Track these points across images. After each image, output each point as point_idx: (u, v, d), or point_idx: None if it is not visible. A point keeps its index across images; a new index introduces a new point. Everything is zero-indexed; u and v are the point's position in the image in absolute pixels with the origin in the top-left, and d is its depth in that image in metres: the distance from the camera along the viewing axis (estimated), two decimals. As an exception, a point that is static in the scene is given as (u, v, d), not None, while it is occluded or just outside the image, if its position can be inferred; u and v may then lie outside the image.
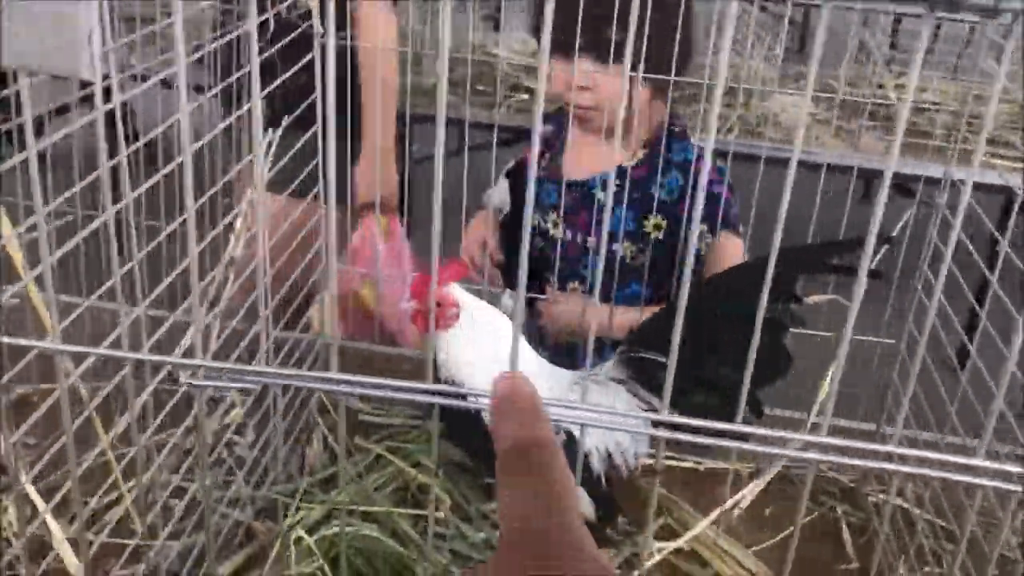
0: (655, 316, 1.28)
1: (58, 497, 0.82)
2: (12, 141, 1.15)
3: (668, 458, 1.52)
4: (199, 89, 1.69)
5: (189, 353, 0.77)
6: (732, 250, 1.70)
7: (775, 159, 2.81)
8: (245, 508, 1.30)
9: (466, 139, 1.67)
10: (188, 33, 0.60)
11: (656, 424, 1.22)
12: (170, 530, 1.11)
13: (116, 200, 0.77)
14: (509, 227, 1.90)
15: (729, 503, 1.19)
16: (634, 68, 1.57)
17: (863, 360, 1.49)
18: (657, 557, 1.25)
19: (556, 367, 1.32)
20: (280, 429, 1.29)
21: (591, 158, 1.77)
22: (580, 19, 1.44)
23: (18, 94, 0.59)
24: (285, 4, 1.50)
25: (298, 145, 1.33)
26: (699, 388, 1.18)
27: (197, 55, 1.06)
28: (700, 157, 1.69)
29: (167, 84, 1.12)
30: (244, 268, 1.32)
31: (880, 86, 3.56)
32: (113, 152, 0.75)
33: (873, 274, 1.23)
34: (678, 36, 1.47)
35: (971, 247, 1.18)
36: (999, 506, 1.16)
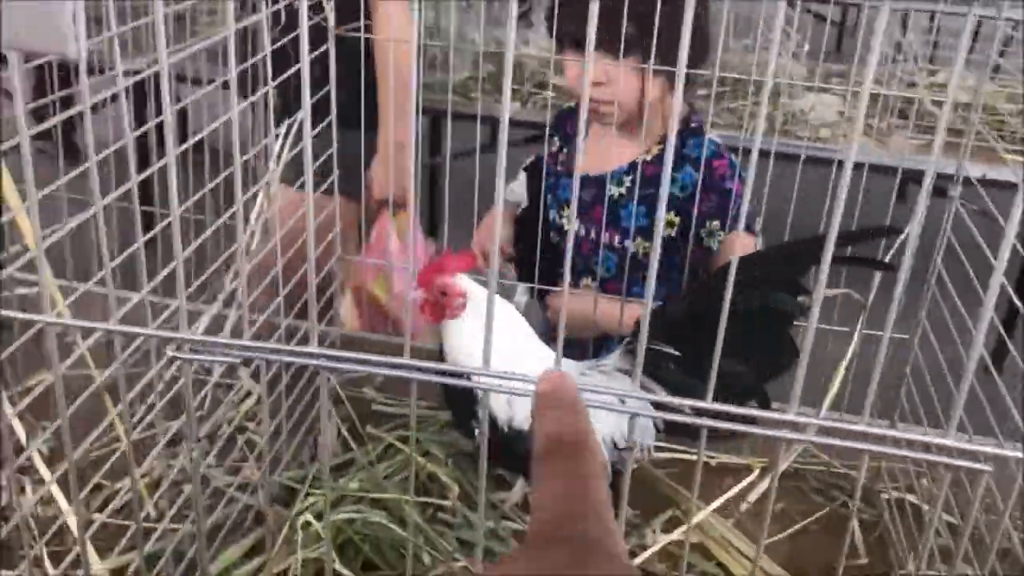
0: (662, 307, 1.28)
1: (62, 469, 0.84)
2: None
3: (678, 451, 1.52)
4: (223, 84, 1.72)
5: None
6: (743, 248, 1.68)
7: (804, 158, 2.79)
8: (256, 493, 1.32)
9: (502, 135, 1.66)
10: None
11: (660, 409, 1.24)
12: (173, 513, 1.13)
13: (118, 186, 0.78)
14: (525, 221, 1.91)
15: (733, 491, 1.18)
16: (646, 62, 1.58)
17: (874, 355, 1.48)
18: (656, 547, 1.25)
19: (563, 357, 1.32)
20: (283, 412, 1.30)
21: (607, 153, 1.77)
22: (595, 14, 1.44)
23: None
24: None
25: (311, 136, 1.34)
26: (702, 379, 1.17)
27: (193, 49, 1.07)
28: (716, 154, 1.68)
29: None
30: (260, 258, 1.35)
31: (912, 85, 3.52)
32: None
33: (886, 266, 1.22)
34: (692, 30, 1.46)
35: (981, 241, 1.17)
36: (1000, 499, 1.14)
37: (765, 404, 1.23)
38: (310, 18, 1.38)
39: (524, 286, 1.81)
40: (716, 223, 1.69)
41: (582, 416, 0.57)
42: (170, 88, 0.74)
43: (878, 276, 1.41)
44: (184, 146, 0.95)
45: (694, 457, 1.52)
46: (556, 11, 1.63)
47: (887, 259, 1.30)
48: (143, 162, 1.98)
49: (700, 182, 1.64)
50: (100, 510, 1.24)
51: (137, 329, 0.71)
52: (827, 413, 1.29)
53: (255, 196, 1.40)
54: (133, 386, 1.09)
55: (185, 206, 0.93)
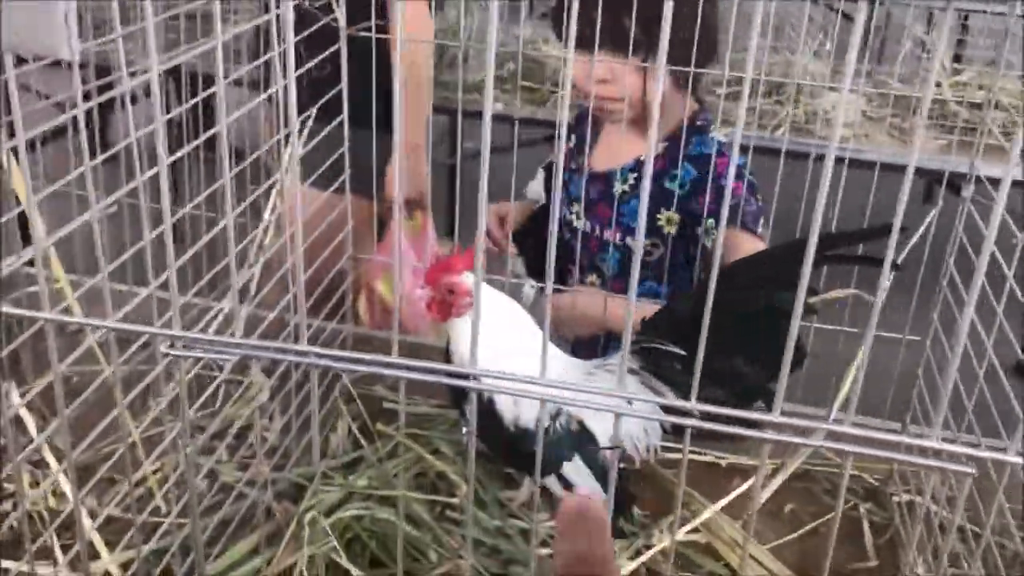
0: (667, 307, 1.28)
1: (65, 463, 0.85)
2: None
3: (690, 452, 1.51)
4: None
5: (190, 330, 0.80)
6: (744, 247, 1.67)
7: (815, 156, 2.76)
8: (265, 489, 1.33)
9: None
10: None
11: (668, 412, 1.24)
12: (180, 508, 1.14)
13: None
14: (539, 219, 1.91)
15: (741, 488, 1.18)
16: (650, 60, 1.59)
17: (888, 357, 1.48)
18: (659, 545, 1.25)
19: (570, 356, 1.33)
20: (293, 409, 1.31)
21: (615, 151, 1.78)
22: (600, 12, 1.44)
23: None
24: None
25: (321, 135, 1.35)
26: (711, 381, 1.17)
27: (193, 53, 1.08)
28: (719, 152, 1.68)
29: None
30: (274, 257, 1.36)
31: (936, 84, 3.48)
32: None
33: (893, 266, 1.21)
34: (698, 29, 1.47)
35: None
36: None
37: (771, 404, 1.22)
38: (321, 18, 1.40)
39: (532, 282, 1.81)
40: (713, 221, 1.69)
41: (606, 543, 0.57)
42: (186, 87, 0.75)
43: (890, 278, 1.40)
44: (188, 147, 0.96)
45: (703, 458, 1.52)
46: (560, 11, 1.64)
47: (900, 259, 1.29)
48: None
49: (702, 180, 1.64)
50: (113, 505, 1.26)
51: (130, 326, 0.72)
52: (837, 414, 1.28)
53: (269, 192, 1.41)
54: (145, 383, 1.11)
55: (190, 207, 0.94)
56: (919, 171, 3.14)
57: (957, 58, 3.99)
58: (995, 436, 1.17)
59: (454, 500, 1.35)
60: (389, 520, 1.25)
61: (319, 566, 1.20)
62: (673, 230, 1.72)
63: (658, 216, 1.71)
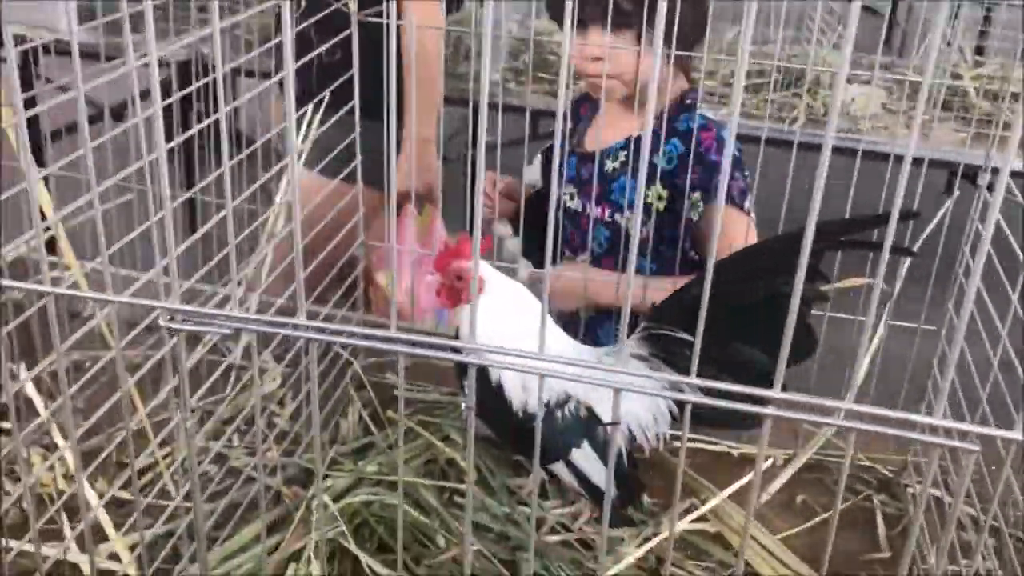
0: (678, 293, 1.27)
1: (68, 442, 0.86)
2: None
3: (698, 440, 1.51)
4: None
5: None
6: (731, 223, 1.67)
7: (840, 148, 2.74)
8: (275, 474, 1.33)
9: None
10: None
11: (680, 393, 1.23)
12: (185, 491, 1.14)
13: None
14: (535, 204, 1.91)
15: (750, 476, 1.17)
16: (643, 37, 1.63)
17: (903, 347, 1.46)
18: (664, 534, 1.24)
19: (580, 344, 1.32)
20: (303, 395, 1.31)
21: (609, 130, 1.80)
22: None
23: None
24: None
25: (330, 122, 1.35)
26: (720, 369, 1.16)
27: (190, 39, 1.09)
28: (704, 126, 1.69)
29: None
30: (283, 243, 1.36)
31: (957, 77, 3.45)
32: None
33: (905, 252, 1.20)
34: (690, 9, 1.49)
35: (1007, 230, 1.14)
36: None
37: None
38: (333, 3, 1.40)
39: (526, 262, 1.83)
40: (698, 195, 1.69)
41: None
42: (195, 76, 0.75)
43: (904, 266, 1.39)
44: (186, 135, 0.96)
45: (714, 447, 1.51)
46: None
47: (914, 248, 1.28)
48: (187, 143, 2.01)
49: (689, 155, 1.65)
50: (125, 487, 1.27)
51: (130, 299, 0.73)
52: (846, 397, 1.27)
53: (279, 178, 1.41)
54: (156, 366, 1.11)
55: (191, 192, 0.93)
56: (939, 163, 3.12)
57: (979, 50, 3.95)
58: (1010, 427, 1.15)
59: (462, 486, 1.35)
60: (396, 505, 1.25)
61: (328, 550, 1.20)
62: (661, 205, 1.73)
63: (646, 192, 1.72)
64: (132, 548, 1.15)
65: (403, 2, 1.85)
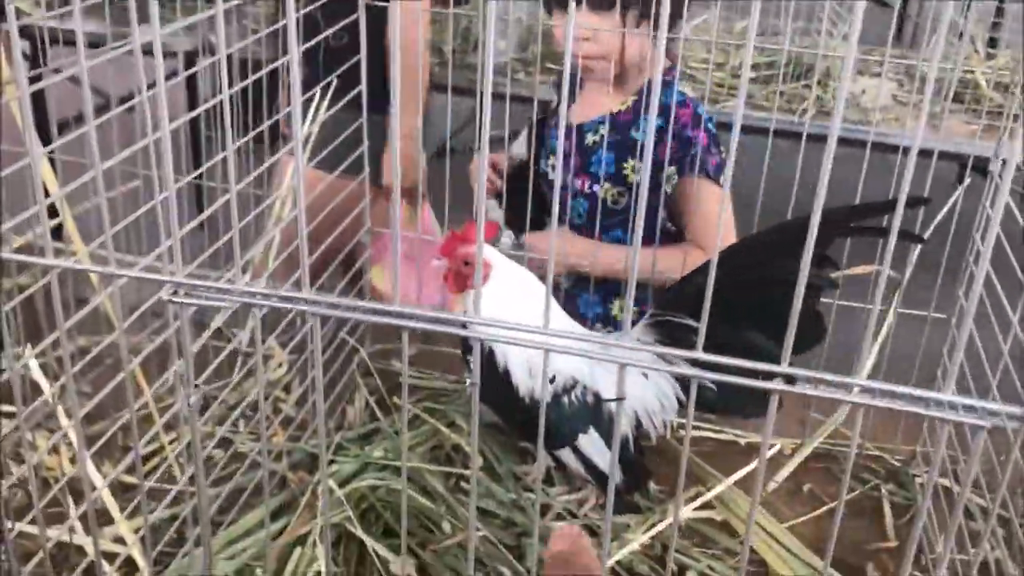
0: (685, 279, 1.27)
1: (71, 422, 0.85)
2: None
3: (705, 428, 1.50)
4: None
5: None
6: (706, 195, 1.69)
7: (849, 140, 2.73)
8: (281, 459, 1.33)
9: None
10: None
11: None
12: (190, 474, 1.14)
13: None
14: (519, 174, 1.90)
15: (753, 464, 1.16)
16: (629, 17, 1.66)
17: (914, 335, 1.45)
18: (668, 520, 1.24)
19: (587, 329, 1.32)
20: (309, 381, 1.31)
21: (593, 106, 1.81)
22: None
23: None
24: None
25: (334, 109, 1.34)
26: (727, 354, 1.15)
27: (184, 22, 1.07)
28: (681, 102, 1.69)
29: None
30: (288, 230, 1.36)
31: (971, 70, 3.43)
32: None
33: (914, 238, 1.19)
34: None
35: (1019, 215, 1.13)
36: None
37: (789, 379, 1.20)
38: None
39: (509, 231, 1.84)
40: (673, 169, 1.69)
41: (596, 569, 0.56)
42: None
43: (914, 253, 1.38)
44: (182, 120, 0.96)
45: (721, 436, 1.51)
46: None
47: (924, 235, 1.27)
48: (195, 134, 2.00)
49: (667, 129, 1.66)
50: (130, 471, 1.27)
51: (131, 272, 0.72)
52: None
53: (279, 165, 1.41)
54: (163, 353, 1.10)
55: (191, 177, 0.93)
56: (951, 155, 3.10)
57: (992, 42, 3.93)
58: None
59: (467, 472, 1.34)
60: (401, 490, 1.25)
61: (333, 535, 1.20)
62: (637, 178, 1.73)
63: (624, 165, 1.73)
64: (137, 531, 1.15)
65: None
